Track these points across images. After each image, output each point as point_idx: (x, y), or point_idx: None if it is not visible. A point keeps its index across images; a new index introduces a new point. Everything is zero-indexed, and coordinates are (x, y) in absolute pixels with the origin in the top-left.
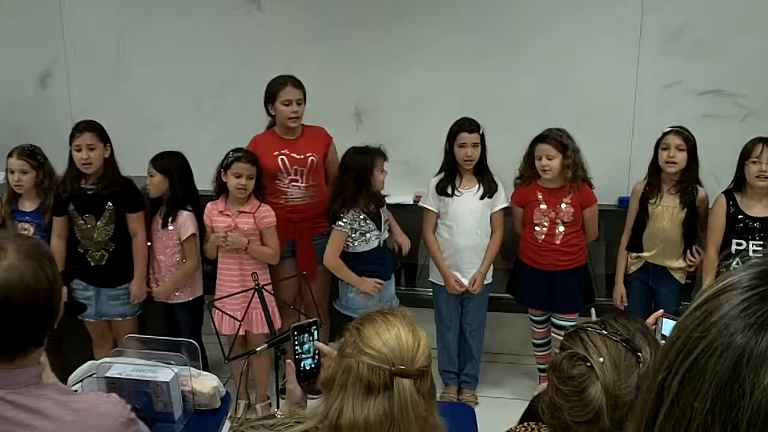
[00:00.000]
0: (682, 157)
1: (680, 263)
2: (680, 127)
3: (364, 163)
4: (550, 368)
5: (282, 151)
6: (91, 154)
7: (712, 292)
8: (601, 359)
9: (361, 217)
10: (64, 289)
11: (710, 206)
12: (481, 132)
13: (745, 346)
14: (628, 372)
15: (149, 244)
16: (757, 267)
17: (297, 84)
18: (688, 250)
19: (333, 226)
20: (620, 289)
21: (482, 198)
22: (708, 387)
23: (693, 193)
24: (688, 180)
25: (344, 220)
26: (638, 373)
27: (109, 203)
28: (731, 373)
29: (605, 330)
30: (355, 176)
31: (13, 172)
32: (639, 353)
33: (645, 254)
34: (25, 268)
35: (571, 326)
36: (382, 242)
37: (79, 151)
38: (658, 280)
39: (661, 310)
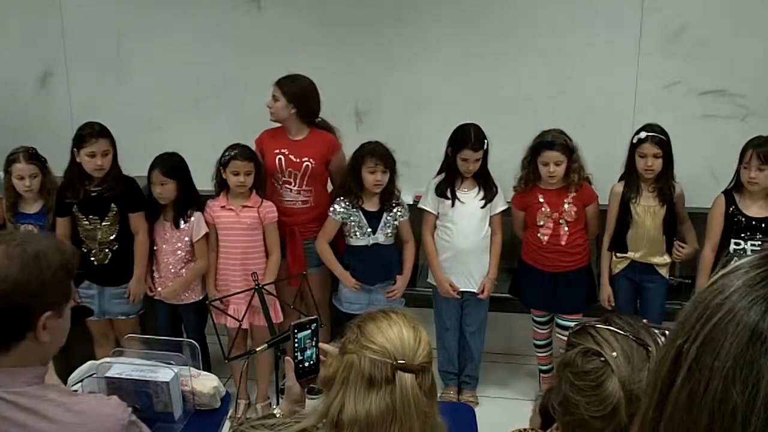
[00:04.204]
0: (658, 164)
1: (665, 259)
2: (655, 130)
3: (355, 155)
4: (561, 365)
5: (282, 151)
6: (104, 160)
7: (726, 271)
8: (614, 353)
9: (353, 209)
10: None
11: (701, 205)
12: (485, 147)
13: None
14: (641, 366)
15: (155, 247)
16: (764, 251)
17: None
18: (674, 246)
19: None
20: (607, 290)
21: (482, 202)
22: (729, 346)
23: (670, 190)
24: (665, 179)
25: (335, 207)
26: (648, 367)
27: (113, 204)
28: (753, 331)
29: (612, 326)
30: (349, 167)
31: (22, 178)
32: (649, 348)
33: (632, 254)
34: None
35: (575, 325)
36: (371, 243)
37: (93, 156)
38: (644, 277)
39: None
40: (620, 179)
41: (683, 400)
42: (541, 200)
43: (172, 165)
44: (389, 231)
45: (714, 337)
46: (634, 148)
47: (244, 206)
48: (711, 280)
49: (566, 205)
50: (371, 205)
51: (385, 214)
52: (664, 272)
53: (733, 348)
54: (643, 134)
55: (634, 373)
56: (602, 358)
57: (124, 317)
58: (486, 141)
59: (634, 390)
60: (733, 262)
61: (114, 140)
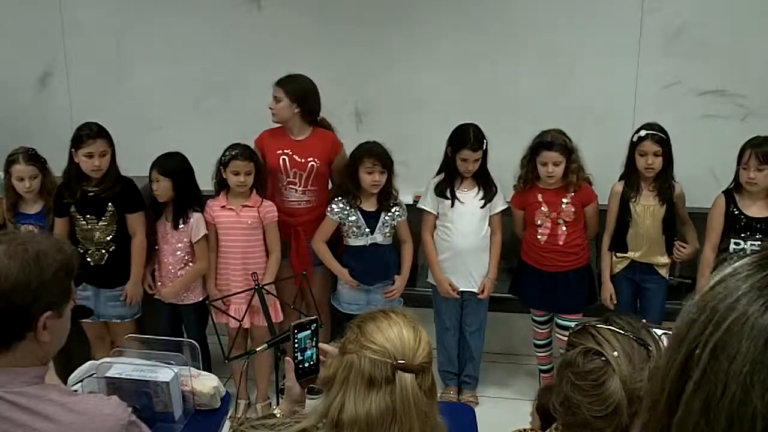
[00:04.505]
0: (659, 163)
1: (665, 259)
2: (655, 128)
3: (353, 155)
4: (562, 365)
5: (285, 151)
6: (102, 161)
7: (727, 273)
8: (615, 353)
9: (351, 209)
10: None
11: (701, 205)
12: (484, 147)
13: None
14: (642, 365)
15: (156, 247)
16: (763, 251)
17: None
18: (674, 246)
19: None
20: (608, 288)
21: (482, 202)
22: (746, 351)
23: (670, 189)
24: (665, 178)
25: (332, 207)
26: (650, 366)
27: (110, 204)
28: None
29: (612, 326)
30: (347, 167)
31: (22, 179)
32: (649, 347)
33: (632, 254)
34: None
35: (575, 325)
36: (369, 243)
37: (90, 157)
38: (645, 277)
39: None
40: (620, 178)
41: (698, 404)
42: (540, 200)
43: (168, 163)
44: (387, 231)
45: (727, 342)
46: (634, 146)
47: (244, 206)
48: (711, 283)
49: (564, 205)
50: (369, 205)
51: (382, 214)
52: (663, 272)
53: (750, 352)
54: (643, 132)
55: (636, 372)
56: (603, 358)
57: (119, 321)
58: (485, 141)
59: (635, 390)
60: (729, 262)
61: (112, 140)
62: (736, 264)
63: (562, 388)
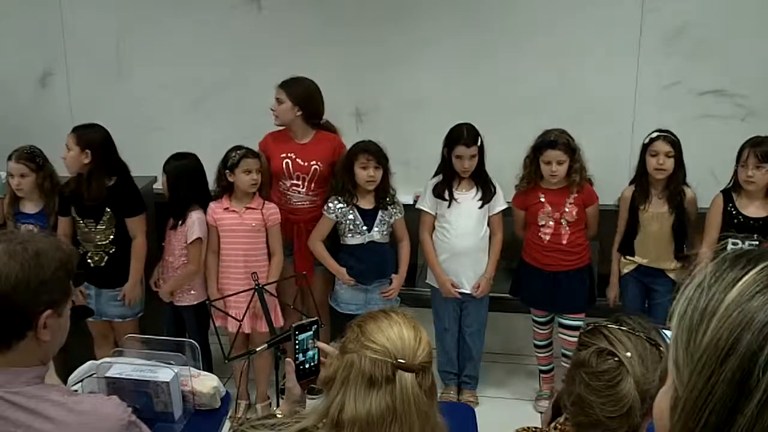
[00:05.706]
0: (670, 164)
1: (675, 264)
2: (667, 131)
3: (348, 153)
4: (574, 365)
5: (288, 154)
6: (67, 155)
7: (760, 285)
8: (629, 354)
9: (347, 208)
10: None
11: (701, 205)
12: (479, 143)
13: None
14: (654, 366)
15: (163, 244)
16: None
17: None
18: (683, 259)
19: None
20: (614, 289)
21: (480, 202)
22: None
23: (681, 195)
24: (676, 183)
25: (329, 206)
26: (661, 368)
27: (107, 208)
28: None
29: (624, 327)
30: (342, 165)
31: (12, 176)
32: (661, 348)
33: (639, 259)
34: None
35: (585, 325)
36: (366, 241)
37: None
38: (653, 279)
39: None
40: (630, 183)
41: (760, 427)
42: (543, 200)
43: (168, 162)
44: (385, 229)
45: None
46: (645, 148)
47: (247, 208)
48: (743, 294)
49: (567, 206)
50: (366, 203)
51: (380, 212)
52: (673, 276)
53: None
54: (655, 134)
55: (648, 373)
56: (616, 359)
57: (121, 320)
58: (480, 138)
59: (647, 390)
60: (735, 264)
61: (88, 144)
62: (760, 271)
63: (574, 388)
